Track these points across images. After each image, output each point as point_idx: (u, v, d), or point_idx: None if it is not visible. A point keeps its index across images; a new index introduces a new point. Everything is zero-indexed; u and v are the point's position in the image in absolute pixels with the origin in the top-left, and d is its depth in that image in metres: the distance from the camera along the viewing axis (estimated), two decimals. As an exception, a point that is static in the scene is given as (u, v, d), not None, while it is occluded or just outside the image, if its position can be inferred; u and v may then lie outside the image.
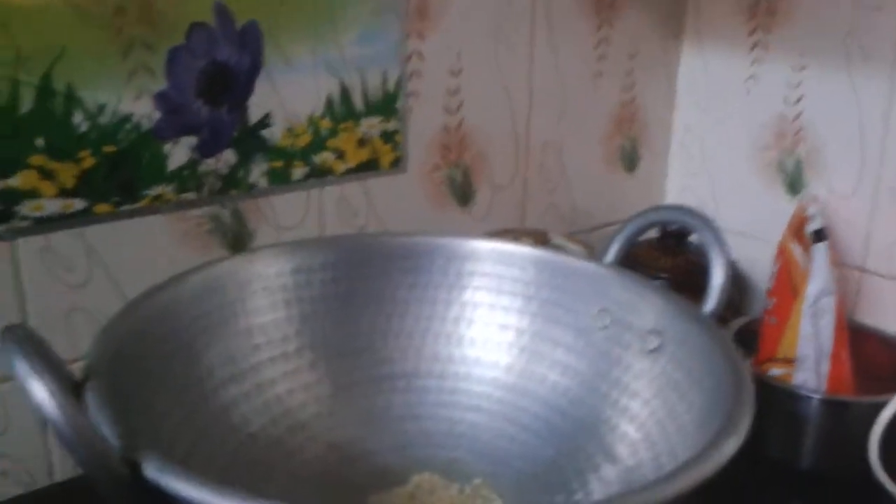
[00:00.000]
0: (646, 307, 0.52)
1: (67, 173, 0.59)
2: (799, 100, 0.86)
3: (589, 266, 0.56)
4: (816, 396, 0.69)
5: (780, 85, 0.87)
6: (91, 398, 0.36)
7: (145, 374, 0.44)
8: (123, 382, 0.40)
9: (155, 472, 0.32)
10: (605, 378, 0.53)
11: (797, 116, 0.87)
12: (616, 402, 0.52)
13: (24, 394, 0.58)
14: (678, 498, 0.35)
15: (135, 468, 0.33)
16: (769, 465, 0.70)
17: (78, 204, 0.60)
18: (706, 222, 0.51)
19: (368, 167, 0.75)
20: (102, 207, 0.61)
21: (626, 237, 0.56)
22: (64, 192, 0.59)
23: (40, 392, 0.32)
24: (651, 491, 0.35)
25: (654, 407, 0.49)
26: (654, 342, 0.51)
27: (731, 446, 0.38)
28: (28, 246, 0.58)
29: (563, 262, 0.57)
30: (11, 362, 0.33)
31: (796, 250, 0.77)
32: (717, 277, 0.50)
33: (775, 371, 0.76)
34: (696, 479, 0.36)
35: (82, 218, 0.60)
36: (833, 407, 0.69)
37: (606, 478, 0.49)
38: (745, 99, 0.90)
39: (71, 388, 0.34)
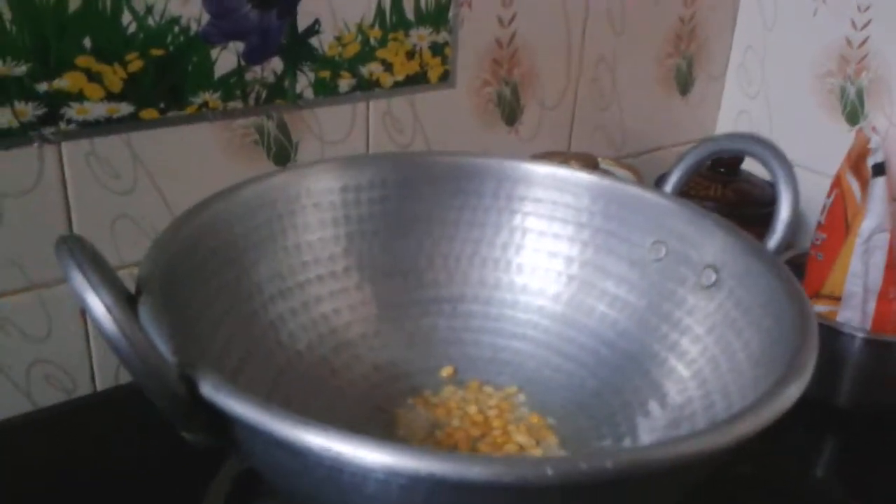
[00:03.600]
0: (706, 241, 0.50)
1: (114, 76, 0.58)
2: (867, 24, 0.82)
3: (647, 195, 0.54)
4: (860, 335, 0.68)
5: (848, 7, 0.83)
6: (144, 313, 0.35)
7: (196, 288, 0.43)
8: (175, 296, 0.40)
9: (210, 389, 0.32)
10: (655, 312, 0.52)
11: (863, 42, 0.83)
12: (666, 336, 0.50)
13: (67, 300, 0.59)
14: (733, 446, 0.34)
15: (190, 384, 0.33)
16: (806, 402, 0.69)
17: (124, 108, 0.59)
18: (777, 154, 0.49)
19: (416, 81, 0.73)
20: (148, 113, 0.60)
21: (689, 165, 0.54)
22: (110, 96, 0.58)
23: (98, 307, 0.31)
24: (707, 437, 0.34)
25: (707, 344, 0.48)
26: (711, 277, 0.49)
27: (793, 392, 0.37)
28: (73, 150, 0.58)
29: (620, 190, 0.55)
30: (67, 275, 0.32)
31: (853, 183, 0.74)
32: (785, 212, 0.48)
33: (819, 307, 0.74)
34: (755, 426, 0.35)
35: (128, 123, 0.59)
36: (876, 346, 0.68)
37: (653, 413, 0.48)
38: (811, 20, 0.86)
39: (126, 302, 0.33)
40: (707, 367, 0.47)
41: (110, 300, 0.32)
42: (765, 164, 0.50)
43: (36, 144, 0.56)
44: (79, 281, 0.32)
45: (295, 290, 0.51)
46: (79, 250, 0.33)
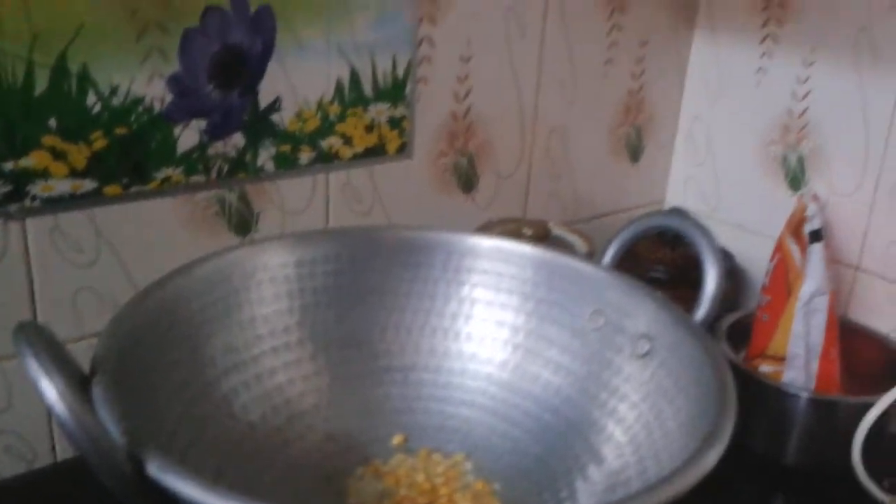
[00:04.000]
0: (639, 312, 0.53)
1: (79, 154, 0.60)
2: (806, 95, 0.87)
3: (586, 267, 0.57)
4: (804, 395, 0.71)
5: (788, 79, 0.87)
6: (97, 394, 0.37)
7: (151, 365, 0.45)
8: (130, 374, 0.42)
9: (157, 470, 0.34)
10: (596, 379, 0.54)
11: (803, 112, 0.87)
12: (605, 403, 0.53)
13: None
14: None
15: (139, 465, 0.34)
16: (755, 460, 0.71)
17: (88, 185, 0.61)
18: (702, 231, 0.52)
19: (375, 153, 0.75)
20: (112, 189, 0.62)
21: (624, 241, 0.57)
22: (74, 173, 0.60)
23: (50, 392, 0.33)
24: (633, 501, 0.36)
25: (642, 410, 0.50)
26: (644, 347, 0.52)
27: (710, 459, 0.39)
28: (38, 226, 0.60)
29: (561, 262, 0.58)
30: (23, 362, 0.34)
31: (793, 248, 0.78)
32: (710, 286, 0.52)
33: (765, 368, 0.77)
34: (676, 490, 0.37)
35: (92, 199, 0.61)
36: (820, 405, 0.71)
37: (592, 478, 0.50)
38: (754, 91, 0.91)
39: (79, 385, 0.35)
40: (642, 433, 0.49)
41: (62, 386, 0.33)
42: (692, 241, 0.53)
43: (0, 221, 0.58)
44: (34, 367, 0.34)
45: (249, 362, 0.53)
46: (35, 337, 0.35)
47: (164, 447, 0.39)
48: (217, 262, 0.53)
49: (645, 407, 0.50)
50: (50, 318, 0.61)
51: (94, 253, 0.63)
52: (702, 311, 0.52)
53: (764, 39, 0.89)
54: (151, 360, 0.45)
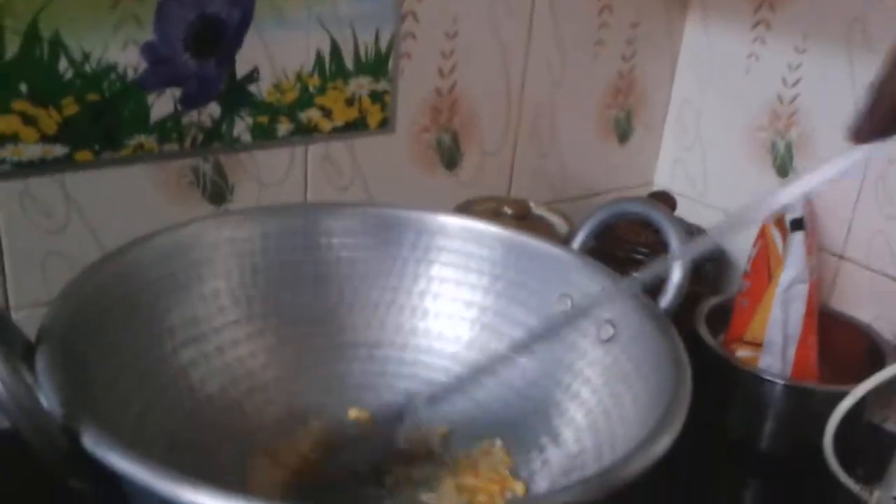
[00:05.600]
0: (605, 297, 0.53)
1: (50, 119, 0.59)
2: (796, 82, 0.85)
3: (554, 250, 0.56)
4: (780, 382, 0.71)
5: (779, 66, 0.86)
6: (40, 363, 0.37)
7: (103, 336, 0.45)
8: (79, 343, 0.41)
9: (92, 443, 0.34)
10: (560, 362, 0.54)
11: (793, 99, 0.86)
12: (568, 386, 0.53)
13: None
14: (610, 494, 0.37)
15: (75, 439, 0.34)
16: (730, 445, 0.72)
17: (58, 150, 0.60)
18: (670, 220, 0.52)
19: (356, 126, 0.75)
20: (83, 155, 0.62)
21: (593, 226, 0.56)
22: (45, 138, 0.60)
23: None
24: (584, 487, 0.36)
25: (602, 396, 0.50)
26: (609, 332, 0.51)
27: (659, 449, 0.39)
28: (7, 190, 0.59)
29: (529, 244, 0.57)
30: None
31: (776, 235, 0.77)
32: (676, 275, 0.51)
33: (743, 353, 0.77)
34: (624, 478, 0.37)
35: (62, 164, 0.61)
36: (795, 393, 0.71)
37: (550, 461, 0.50)
38: (744, 77, 0.90)
39: (21, 354, 0.35)
40: (601, 418, 0.49)
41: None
42: (661, 229, 0.52)
43: (-31, 184, 0.58)
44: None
45: (210, 334, 0.52)
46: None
47: (116, 419, 0.39)
48: (176, 235, 0.52)
49: (605, 392, 0.50)
50: (18, 282, 0.61)
51: (63, 218, 0.62)
52: (667, 299, 0.51)
53: (756, 25, 0.87)
54: (103, 331, 0.45)
